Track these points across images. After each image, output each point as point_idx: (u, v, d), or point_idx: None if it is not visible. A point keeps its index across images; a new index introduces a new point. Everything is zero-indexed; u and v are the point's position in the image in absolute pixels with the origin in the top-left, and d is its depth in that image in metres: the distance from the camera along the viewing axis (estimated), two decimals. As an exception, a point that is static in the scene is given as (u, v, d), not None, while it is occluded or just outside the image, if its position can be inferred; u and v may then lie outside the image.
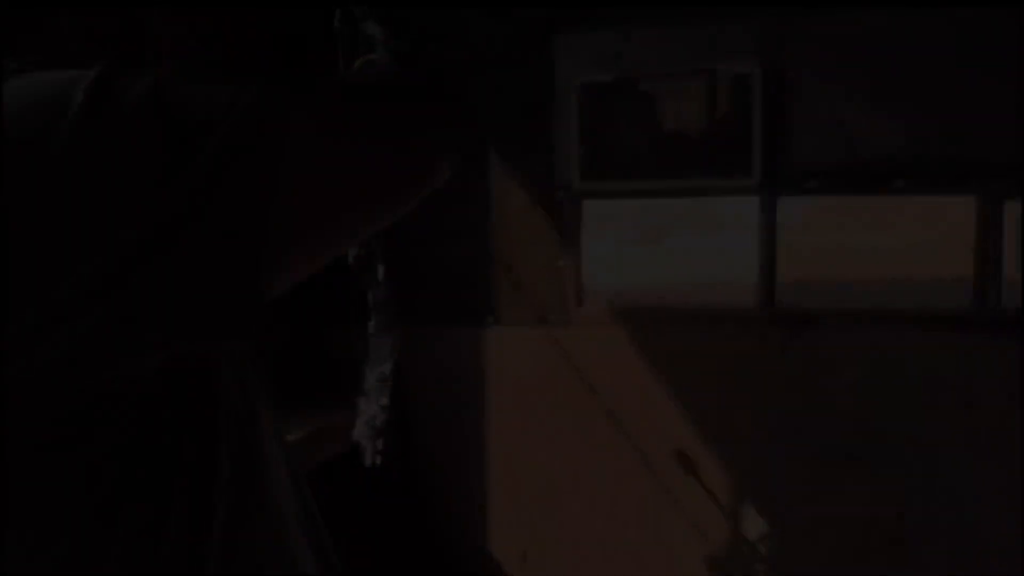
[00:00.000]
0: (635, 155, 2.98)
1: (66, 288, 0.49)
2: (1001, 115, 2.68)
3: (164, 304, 0.52)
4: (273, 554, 0.70)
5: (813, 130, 2.84)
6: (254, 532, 0.67)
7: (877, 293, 3.11)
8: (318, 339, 3.06)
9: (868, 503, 2.83)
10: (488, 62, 3.10)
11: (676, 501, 2.97)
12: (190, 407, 0.60)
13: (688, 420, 2.95)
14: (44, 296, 0.49)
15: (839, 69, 2.81)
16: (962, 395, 2.74)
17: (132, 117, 0.52)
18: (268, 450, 0.71)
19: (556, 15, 3.01)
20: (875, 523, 2.84)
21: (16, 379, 0.49)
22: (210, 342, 0.57)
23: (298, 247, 0.61)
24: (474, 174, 3.12)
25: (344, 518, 1.59)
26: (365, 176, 0.67)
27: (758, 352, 2.89)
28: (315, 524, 0.80)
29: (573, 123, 2.98)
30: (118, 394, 0.53)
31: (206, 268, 0.53)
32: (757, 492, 2.94)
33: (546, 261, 3.09)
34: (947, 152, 2.74)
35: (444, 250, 3.19)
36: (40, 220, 0.49)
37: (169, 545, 0.58)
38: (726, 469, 2.94)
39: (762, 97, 2.82)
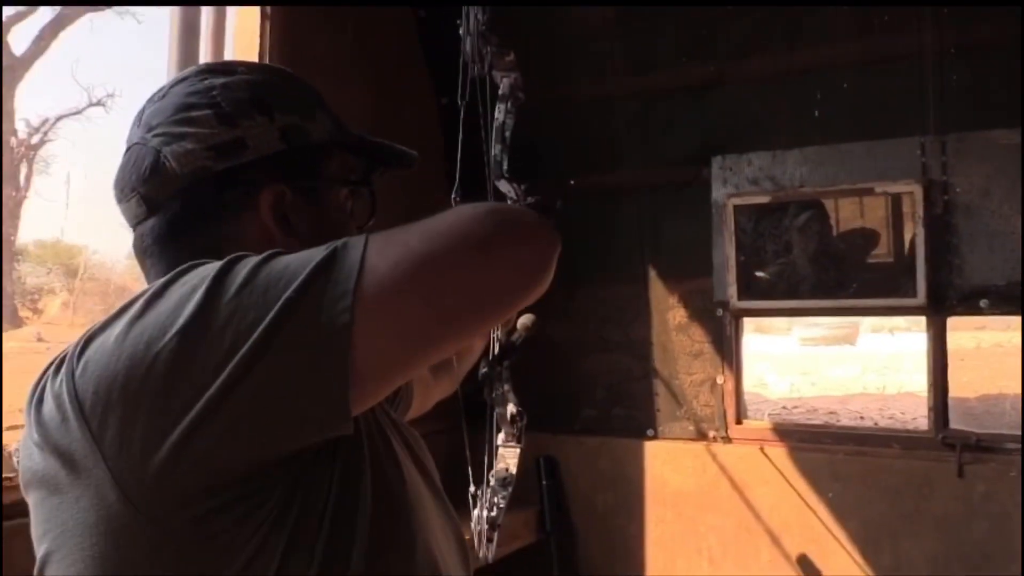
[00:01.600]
0: (792, 273, 3.00)
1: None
2: None
3: (269, 410, 0.70)
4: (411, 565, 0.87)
5: (983, 246, 2.75)
6: (393, 554, 0.84)
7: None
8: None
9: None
10: (649, 186, 3.26)
11: (844, 630, 2.85)
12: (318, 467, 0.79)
13: (856, 544, 2.85)
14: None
15: (1007, 183, 2.72)
16: None
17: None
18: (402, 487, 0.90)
19: (713, 138, 3.13)
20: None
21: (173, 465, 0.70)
22: (310, 438, 0.74)
23: (383, 362, 0.74)
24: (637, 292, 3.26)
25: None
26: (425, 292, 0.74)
27: (931, 476, 2.76)
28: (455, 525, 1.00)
29: (730, 242, 3.05)
30: (268, 465, 0.73)
31: (299, 386, 0.70)
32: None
33: (705, 377, 3.14)
34: None
35: (609, 364, 3.32)
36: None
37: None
38: (899, 600, 2.80)
39: (924, 214, 2.77)
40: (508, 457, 1.49)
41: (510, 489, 1.41)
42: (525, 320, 1.53)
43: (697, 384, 3.18)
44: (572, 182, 3.30)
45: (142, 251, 0.88)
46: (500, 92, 1.46)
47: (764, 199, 3.02)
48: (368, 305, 0.69)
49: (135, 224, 0.89)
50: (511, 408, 1.51)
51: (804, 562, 2.90)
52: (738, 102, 3.11)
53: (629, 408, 3.30)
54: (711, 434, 3.13)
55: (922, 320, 2.87)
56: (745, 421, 3.10)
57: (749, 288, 3.05)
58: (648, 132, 3.29)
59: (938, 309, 2.79)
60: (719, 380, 3.12)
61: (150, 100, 0.90)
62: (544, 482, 3.29)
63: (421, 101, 3.31)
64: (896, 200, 2.88)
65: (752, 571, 3.00)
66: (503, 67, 1.45)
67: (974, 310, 2.77)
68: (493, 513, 1.36)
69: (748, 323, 3.33)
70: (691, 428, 3.17)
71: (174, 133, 0.85)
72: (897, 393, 5.08)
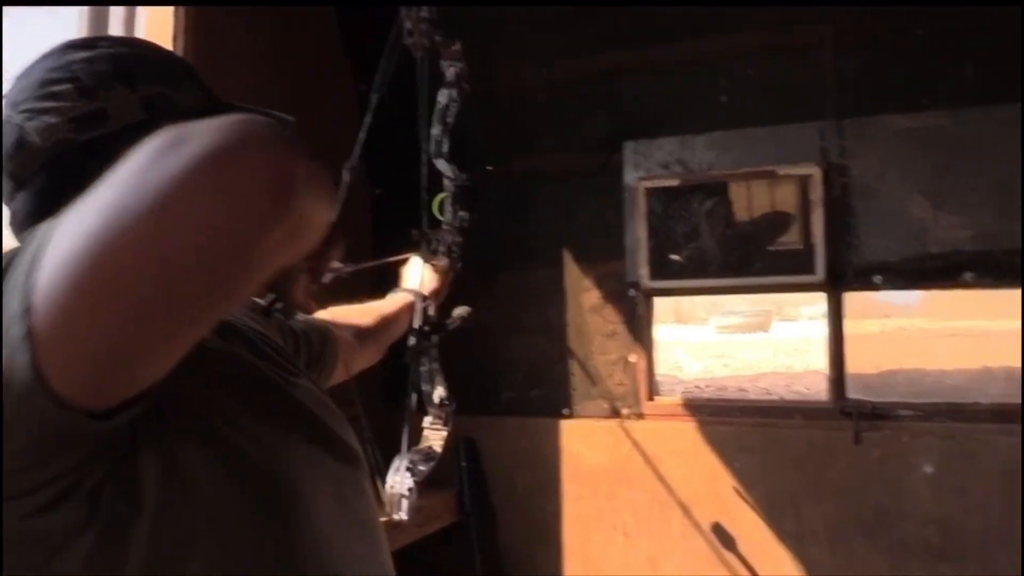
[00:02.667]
0: (701, 254, 3.10)
1: None
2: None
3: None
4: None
5: (878, 226, 2.89)
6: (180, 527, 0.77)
7: (951, 387, 3.08)
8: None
9: (954, 601, 2.77)
10: (563, 171, 3.33)
11: (751, 595, 2.98)
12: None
13: (761, 512, 2.97)
14: None
15: (902, 166, 2.87)
16: (1047, 492, 2.67)
17: None
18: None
19: (624, 124, 3.21)
20: (962, 623, 2.76)
21: None
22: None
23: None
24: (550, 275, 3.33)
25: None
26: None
27: (831, 444, 2.90)
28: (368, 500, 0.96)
29: (642, 225, 3.14)
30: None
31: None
32: (836, 588, 2.91)
33: (619, 356, 3.23)
34: (1016, 245, 2.74)
35: (524, 346, 3.37)
36: None
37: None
38: (802, 560, 2.93)
39: (824, 196, 2.90)
40: (433, 439, 1.52)
41: (432, 464, 1.44)
42: (462, 311, 1.58)
43: (611, 363, 3.26)
44: (489, 168, 3.33)
45: (16, 227, 0.89)
46: (446, 79, 1.54)
47: (674, 182, 3.11)
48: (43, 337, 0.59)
49: (8, 202, 0.89)
50: (440, 392, 1.55)
51: (718, 530, 3.01)
52: (648, 89, 3.19)
53: (546, 389, 3.36)
54: (624, 411, 3.21)
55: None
56: (657, 398, 3.20)
57: (660, 269, 3.14)
58: (562, 119, 3.35)
59: (836, 285, 2.93)
60: (632, 359, 3.21)
61: (16, 79, 0.91)
62: (463, 464, 3.32)
63: (342, 89, 3.30)
64: (804, 183, 3.00)
65: (665, 542, 3.10)
66: (449, 56, 1.53)
67: (869, 286, 2.92)
68: (409, 478, 1.38)
69: (667, 313, 3.44)
70: (605, 406, 3.24)
71: (37, 108, 0.86)
72: (803, 371, 5.32)
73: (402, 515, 1.35)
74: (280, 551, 0.82)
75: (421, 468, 1.40)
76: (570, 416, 3.28)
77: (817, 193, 2.91)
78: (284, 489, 0.84)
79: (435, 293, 1.60)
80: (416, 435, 1.45)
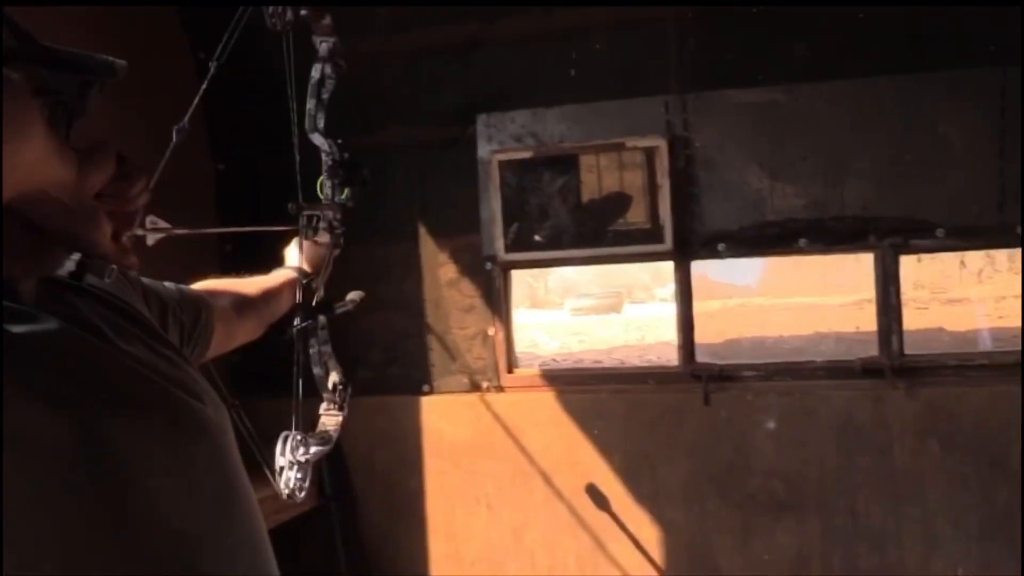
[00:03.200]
0: (555, 226, 3.14)
1: None
2: (891, 176, 2.88)
3: None
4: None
5: (720, 196, 3.02)
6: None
7: (788, 350, 3.26)
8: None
9: (797, 547, 2.94)
10: (416, 144, 3.28)
11: (612, 555, 3.05)
12: None
13: (619, 475, 3.05)
14: None
15: (741, 139, 3.00)
16: (875, 440, 2.88)
17: None
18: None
19: (476, 97, 3.20)
20: (805, 564, 2.94)
21: None
22: None
23: None
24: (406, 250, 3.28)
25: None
26: None
27: (682, 406, 3.01)
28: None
29: (496, 198, 3.14)
30: None
31: None
32: (691, 543, 3.03)
33: (477, 330, 3.22)
34: (845, 212, 2.93)
35: (381, 323, 3.31)
36: None
37: None
38: (659, 522, 3.03)
39: (670, 167, 3.00)
40: (329, 424, 1.49)
41: (327, 448, 1.41)
42: (355, 295, 1.54)
43: (469, 338, 3.25)
44: (340, 141, 3.25)
45: None
46: (319, 54, 1.52)
47: (527, 154, 3.13)
48: None
49: None
50: (334, 376, 1.51)
51: (591, 491, 3.06)
52: (500, 62, 3.19)
53: (404, 366, 3.32)
54: (484, 385, 3.21)
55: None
56: (516, 370, 3.22)
57: (516, 241, 3.16)
58: (415, 90, 3.30)
59: (683, 254, 3.04)
60: (490, 332, 3.21)
61: None
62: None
63: (179, 59, 3.12)
64: (650, 156, 3.09)
65: (528, 512, 3.13)
66: (321, 31, 1.50)
67: (714, 254, 3.04)
68: (301, 456, 1.33)
69: (523, 298, 3.46)
70: (465, 381, 3.24)
71: None
72: (654, 343, 5.54)
73: (298, 495, 1.33)
74: (125, 545, 0.77)
75: (315, 449, 1.38)
76: (430, 392, 3.25)
77: (663, 165, 3.01)
78: (119, 475, 0.79)
79: (317, 270, 1.55)
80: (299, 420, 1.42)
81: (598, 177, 3.13)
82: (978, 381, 2.85)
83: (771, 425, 2.95)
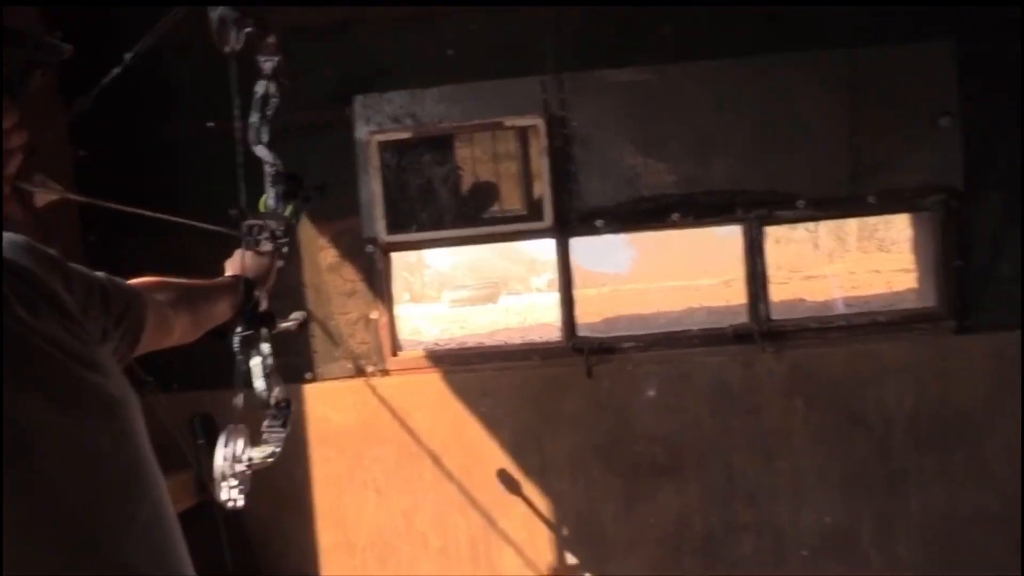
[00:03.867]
0: (436, 207, 3.14)
1: None
2: (754, 152, 3.04)
3: None
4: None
5: (597, 174, 3.10)
6: None
7: (664, 323, 3.40)
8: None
9: (679, 509, 3.06)
10: (292, 127, 3.20)
11: (503, 531, 3.09)
12: None
13: (508, 451, 3.09)
14: None
15: (615, 118, 3.09)
16: (747, 401, 3.03)
17: None
18: None
19: (352, 78, 3.16)
20: (687, 525, 3.07)
21: None
22: None
23: None
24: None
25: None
26: None
27: (566, 380, 3.08)
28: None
29: (376, 179, 3.11)
30: None
31: None
32: (579, 512, 3.10)
33: (360, 315, 3.19)
34: (713, 187, 3.07)
35: (259, 311, 3.22)
36: None
37: None
38: (547, 493, 3.09)
39: (547, 146, 3.06)
40: (272, 441, 1.54)
41: (269, 462, 1.50)
42: (299, 315, 1.54)
43: (352, 322, 3.21)
44: (211, 124, 3.15)
45: None
46: (264, 72, 1.64)
47: (406, 135, 3.12)
48: None
49: None
50: (277, 392, 1.50)
51: (469, 474, 3.08)
52: (377, 42, 3.16)
53: (286, 354, 3.20)
54: (369, 369, 3.18)
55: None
56: (401, 353, 3.21)
57: (397, 223, 3.14)
58: (289, 72, 3.21)
59: (563, 231, 3.10)
60: (373, 316, 3.18)
61: None
62: (200, 442, 3.11)
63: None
64: (524, 134, 3.13)
65: (418, 494, 3.12)
66: (266, 51, 1.60)
67: (592, 230, 3.12)
68: (243, 464, 1.40)
69: (400, 293, 3.44)
70: (349, 366, 3.19)
71: None
72: (535, 325, 5.65)
73: (237, 502, 1.42)
74: (19, 521, 0.76)
75: (257, 461, 1.40)
76: (313, 379, 3.19)
77: (542, 143, 3.06)
78: (16, 449, 0.78)
79: (261, 280, 1.54)
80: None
81: (472, 160, 3.15)
82: (837, 342, 3.05)
83: (651, 393, 3.06)
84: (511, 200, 3.26)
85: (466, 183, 3.16)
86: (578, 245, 3.15)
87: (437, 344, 3.76)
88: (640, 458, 3.06)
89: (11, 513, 0.77)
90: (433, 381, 3.13)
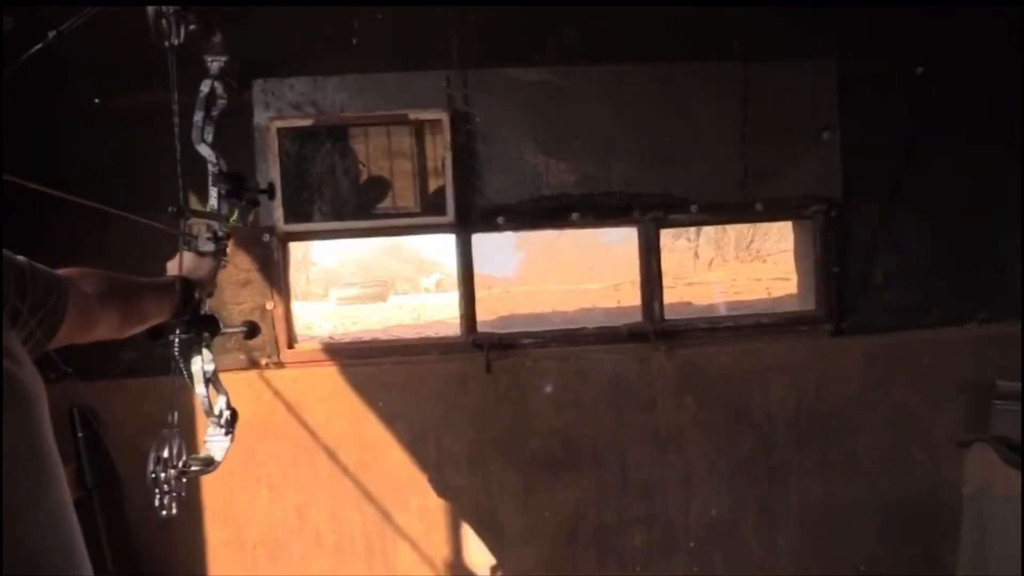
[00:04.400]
0: (336, 198, 3.10)
1: None
2: (651, 156, 3.14)
3: None
4: None
5: (499, 171, 3.13)
6: None
7: (560, 323, 3.45)
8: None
9: (574, 501, 3.12)
10: (186, 108, 3.08)
11: (399, 526, 3.07)
12: None
13: (405, 446, 3.07)
14: None
15: (519, 116, 3.13)
16: (641, 397, 3.12)
17: None
18: None
19: (253, 61, 3.08)
20: (582, 517, 3.13)
21: None
22: None
23: None
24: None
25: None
26: None
27: (465, 375, 3.09)
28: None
29: (275, 167, 3.04)
30: None
31: None
32: (476, 506, 3.11)
33: (255, 305, 3.10)
34: (612, 189, 3.15)
35: (146, 300, 3.09)
36: None
37: None
38: (445, 489, 3.09)
39: (451, 141, 3.06)
40: (215, 450, 1.54)
41: (210, 469, 1.49)
42: (248, 324, 1.49)
43: (246, 313, 3.12)
44: (97, 100, 3.01)
45: None
46: (210, 72, 1.62)
47: (307, 122, 3.06)
48: None
49: None
50: (222, 401, 1.45)
51: (365, 469, 3.04)
52: (279, 26, 3.08)
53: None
54: (263, 361, 3.10)
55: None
56: (296, 345, 3.14)
57: (294, 213, 3.08)
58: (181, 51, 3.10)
59: (464, 226, 3.11)
60: (269, 306, 3.10)
61: None
62: (80, 435, 2.97)
63: None
64: (420, 131, 3.12)
65: (313, 489, 3.07)
66: (213, 50, 1.59)
67: (493, 227, 3.14)
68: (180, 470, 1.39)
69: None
70: (242, 358, 3.11)
71: None
72: (429, 321, 5.64)
73: (171, 511, 1.37)
74: None
75: (195, 468, 1.35)
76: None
77: (446, 138, 3.07)
78: None
79: (202, 282, 1.48)
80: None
81: (367, 155, 3.13)
82: (725, 342, 3.18)
83: (549, 389, 3.11)
84: (404, 197, 3.26)
85: (362, 176, 3.13)
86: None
87: (331, 339, 3.70)
88: (537, 452, 3.10)
89: None
90: (330, 374, 3.08)
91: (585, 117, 3.13)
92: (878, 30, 3.12)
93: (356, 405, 3.07)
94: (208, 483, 3.04)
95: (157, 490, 1.30)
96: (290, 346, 3.11)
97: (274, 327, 3.10)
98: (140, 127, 3.05)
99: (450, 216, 3.07)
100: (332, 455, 3.06)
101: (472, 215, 3.11)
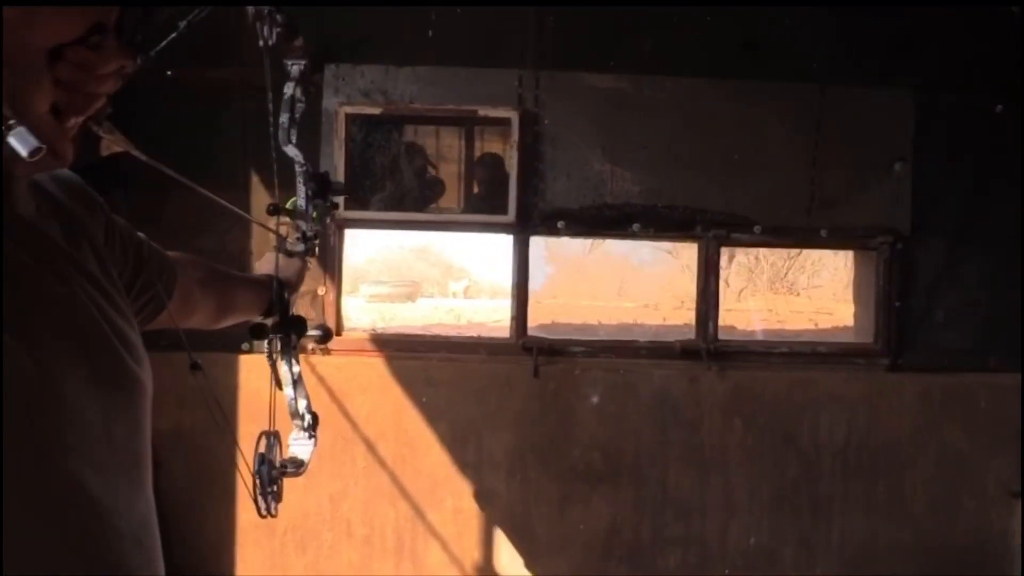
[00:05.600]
0: (398, 187, 3.08)
1: None
2: (718, 173, 3.09)
3: None
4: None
5: (564, 175, 3.09)
6: None
7: (613, 333, 3.41)
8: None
9: (611, 516, 3.07)
10: (253, 86, 3.08)
11: (431, 525, 3.03)
12: None
13: (445, 444, 3.03)
14: None
15: (587, 121, 3.09)
16: (687, 416, 3.07)
17: None
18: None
19: (327, 45, 3.07)
20: (617, 533, 3.07)
21: None
22: None
23: None
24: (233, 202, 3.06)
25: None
26: None
27: (511, 377, 3.05)
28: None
29: (339, 152, 3.03)
30: None
31: None
32: (511, 512, 3.06)
33: (307, 289, 3.08)
34: (676, 202, 3.10)
35: (199, 274, 3.08)
36: None
37: None
38: (480, 491, 3.05)
39: (519, 141, 3.03)
40: (300, 453, 1.50)
41: (302, 470, 1.46)
42: (323, 331, 1.50)
43: (298, 296, 3.10)
44: (169, 73, 3.00)
45: None
46: (291, 75, 1.63)
47: (376, 111, 3.04)
48: None
49: None
50: (303, 404, 1.45)
51: (403, 464, 3.01)
52: (357, 13, 3.08)
53: (222, 322, 3.10)
54: (310, 347, 3.07)
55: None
56: (345, 332, 3.11)
57: (356, 199, 3.06)
58: (259, 28, 3.10)
59: (524, 228, 3.08)
60: (320, 291, 3.08)
61: None
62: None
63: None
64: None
65: (348, 479, 3.03)
66: (293, 54, 1.59)
67: (553, 231, 3.11)
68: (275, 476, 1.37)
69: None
70: (290, 341, 3.08)
71: None
72: (470, 323, 5.60)
73: (272, 511, 1.38)
74: (42, 509, 0.68)
75: (290, 470, 1.42)
76: (250, 351, 3.05)
77: (514, 137, 3.04)
78: (54, 432, 0.70)
79: (292, 283, 1.49)
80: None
81: (444, 141, 3.11)
82: (778, 367, 3.12)
83: (595, 399, 3.06)
84: (448, 202, 3.25)
85: (429, 173, 3.12)
86: (498, 258, 3.14)
87: (377, 329, 3.68)
88: (577, 462, 3.05)
89: (36, 500, 0.67)
90: (375, 365, 3.05)
91: (653, 128, 3.10)
92: (959, 64, 3.06)
93: (399, 398, 3.04)
94: (243, 464, 3.01)
95: (262, 491, 1.28)
96: (338, 333, 3.08)
97: (323, 313, 3.07)
98: (208, 103, 3.06)
99: (511, 216, 3.04)
100: (371, 447, 3.02)
101: (533, 217, 3.08)
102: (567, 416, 3.05)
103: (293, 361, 1.44)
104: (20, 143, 0.65)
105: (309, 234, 1.54)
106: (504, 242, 3.16)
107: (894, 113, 3.10)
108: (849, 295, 3.51)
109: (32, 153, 0.65)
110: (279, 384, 1.45)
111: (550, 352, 3.08)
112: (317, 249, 1.63)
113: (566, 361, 3.09)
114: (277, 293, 1.41)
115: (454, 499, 3.04)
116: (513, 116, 3.03)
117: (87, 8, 0.67)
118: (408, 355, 3.09)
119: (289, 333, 1.41)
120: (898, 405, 3.08)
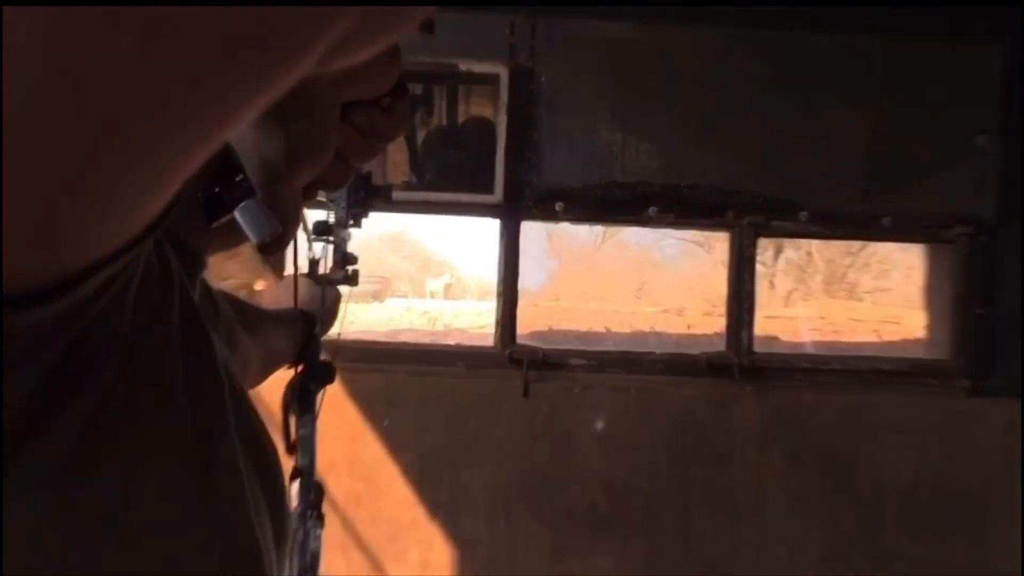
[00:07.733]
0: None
1: None
2: (757, 146, 3.07)
3: None
4: None
5: (564, 145, 3.07)
6: None
7: (623, 343, 3.39)
8: None
9: (617, 571, 3.04)
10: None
11: (393, 581, 3.01)
12: None
13: (411, 479, 3.01)
14: None
15: (594, 80, 3.07)
16: (715, 448, 3.04)
17: None
18: None
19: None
20: (623, 594, 3.06)
21: None
22: None
23: None
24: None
25: None
26: None
27: (495, 397, 3.02)
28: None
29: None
30: None
31: None
32: (491, 563, 3.04)
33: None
34: (703, 182, 3.08)
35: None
36: None
37: None
38: (454, 537, 3.02)
39: (508, 102, 3.01)
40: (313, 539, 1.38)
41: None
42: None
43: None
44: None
45: None
46: None
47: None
48: None
49: None
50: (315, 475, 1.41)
51: (372, 499, 2.98)
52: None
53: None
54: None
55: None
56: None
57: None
58: None
59: (513, 210, 3.05)
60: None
61: None
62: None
63: None
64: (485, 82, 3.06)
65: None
66: None
67: (549, 215, 3.08)
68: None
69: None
70: (219, 348, 3.06)
71: None
72: (446, 329, 5.58)
73: None
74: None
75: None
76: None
77: (503, 98, 3.01)
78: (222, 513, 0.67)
79: (323, 319, 1.40)
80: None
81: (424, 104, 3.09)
82: (829, 388, 3.10)
83: (599, 425, 3.03)
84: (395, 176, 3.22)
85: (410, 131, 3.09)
86: (487, 250, 3.13)
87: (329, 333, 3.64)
88: (576, 504, 3.02)
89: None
90: (344, 378, 3.02)
91: (677, 89, 3.07)
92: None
93: (354, 422, 3.00)
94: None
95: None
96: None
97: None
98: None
99: (497, 195, 3.01)
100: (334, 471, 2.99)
101: (525, 197, 3.05)
102: (564, 446, 3.02)
103: (311, 419, 1.37)
104: (250, 223, 0.58)
105: (351, 258, 1.45)
106: (493, 228, 3.14)
107: (976, 73, 3.07)
108: (924, 301, 3.49)
109: (265, 238, 0.59)
110: (290, 448, 1.34)
111: (544, 365, 3.05)
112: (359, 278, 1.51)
113: (564, 377, 3.06)
114: (307, 331, 1.34)
115: (420, 549, 3.01)
116: (502, 72, 3.01)
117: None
118: (367, 367, 3.06)
119: (315, 384, 1.36)
120: (981, 438, 3.06)
